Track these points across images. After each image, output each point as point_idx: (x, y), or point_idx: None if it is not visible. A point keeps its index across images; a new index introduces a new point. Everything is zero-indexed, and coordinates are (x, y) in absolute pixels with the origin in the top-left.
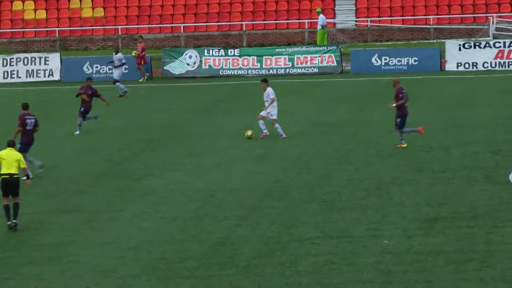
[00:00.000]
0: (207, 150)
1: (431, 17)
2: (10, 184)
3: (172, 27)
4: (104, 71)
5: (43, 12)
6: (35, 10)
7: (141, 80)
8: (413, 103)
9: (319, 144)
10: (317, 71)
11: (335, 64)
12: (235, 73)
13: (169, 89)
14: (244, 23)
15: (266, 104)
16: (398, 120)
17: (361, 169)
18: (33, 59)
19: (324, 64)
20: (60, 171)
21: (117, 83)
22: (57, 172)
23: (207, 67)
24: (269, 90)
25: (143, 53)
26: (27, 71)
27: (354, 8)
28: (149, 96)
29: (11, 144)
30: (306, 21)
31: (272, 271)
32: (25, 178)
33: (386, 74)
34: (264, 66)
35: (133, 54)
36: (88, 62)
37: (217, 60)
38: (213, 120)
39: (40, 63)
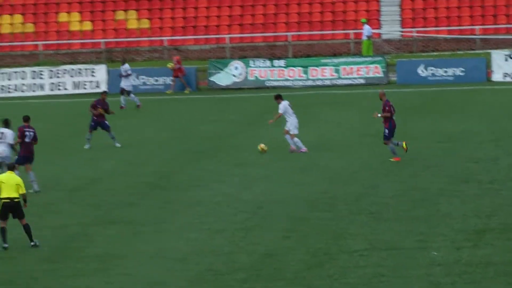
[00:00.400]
0: (254, 161)
1: (477, 27)
2: (11, 208)
3: (217, 38)
4: (150, 83)
5: (89, 23)
6: (81, 22)
7: (186, 91)
8: (460, 114)
9: (365, 155)
10: (363, 81)
11: (381, 74)
12: (281, 84)
13: (215, 100)
14: (289, 34)
15: (286, 118)
16: (386, 131)
17: (408, 180)
18: (79, 70)
19: (370, 74)
20: (106, 183)
21: (131, 95)
22: (103, 184)
23: (253, 78)
24: (280, 105)
25: (178, 65)
26: (74, 82)
27: (400, 19)
28: (196, 108)
29: (11, 168)
30: (351, 31)
31: (321, 283)
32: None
33: (433, 85)
34: (310, 77)
35: (168, 66)
36: (134, 74)
37: (263, 71)
38: (259, 131)
39: (86, 75)
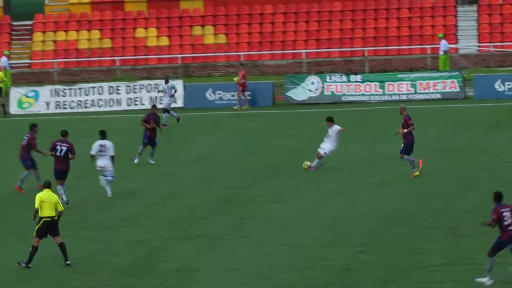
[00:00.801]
0: (330, 176)
1: None
2: (52, 227)
3: (294, 53)
4: (227, 98)
5: (166, 39)
6: (157, 37)
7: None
8: None
9: (442, 170)
10: (439, 96)
11: (457, 89)
12: (358, 99)
13: (291, 115)
14: (366, 49)
15: (327, 140)
16: (402, 146)
17: (485, 195)
18: (156, 86)
19: (447, 89)
20: (182, 198)
21: (171, 112)
22: (179, 198)
23: (329, 93)
24: (335, 126)
25: (243, 80)
26: (150, 98)
27: (477, 33)
28: (272, 122)
29: (48, 185)
30: (428, 46)
31: None
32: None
33: (510, 100)
34: (386, 92)
35: (234, 80)
36: (211, 89)
37: (339, 86)
38: None
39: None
